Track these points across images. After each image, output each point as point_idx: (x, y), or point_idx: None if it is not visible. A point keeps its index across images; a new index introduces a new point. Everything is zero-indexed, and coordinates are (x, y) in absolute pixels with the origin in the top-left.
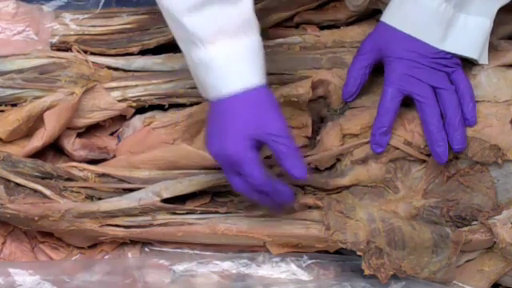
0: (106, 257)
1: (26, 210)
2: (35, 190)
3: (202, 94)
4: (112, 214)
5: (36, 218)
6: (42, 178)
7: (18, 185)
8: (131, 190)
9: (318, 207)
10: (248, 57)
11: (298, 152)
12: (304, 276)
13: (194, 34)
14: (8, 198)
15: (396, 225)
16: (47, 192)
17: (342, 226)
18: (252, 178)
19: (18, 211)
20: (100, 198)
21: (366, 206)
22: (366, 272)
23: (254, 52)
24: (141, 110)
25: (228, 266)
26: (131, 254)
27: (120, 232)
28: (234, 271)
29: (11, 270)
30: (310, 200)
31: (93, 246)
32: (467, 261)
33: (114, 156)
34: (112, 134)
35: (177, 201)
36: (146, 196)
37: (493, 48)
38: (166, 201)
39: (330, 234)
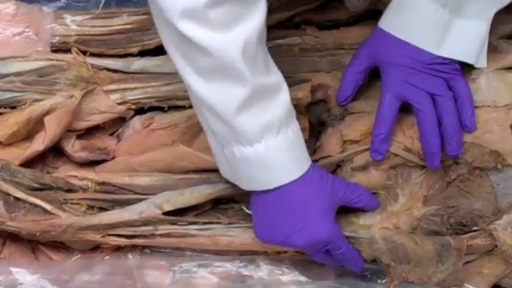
0: (106, 257)
1: (27, 228)
2: (35, 205)
3: (236, 183)
4: (114, 226)
5: (38, 234)
6: (42, 190)
7: (17, 199)
8: (132, 200)
9: None
10: (295, 145)
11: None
12: (303, 277)
13: (241, 133)
14: (9, 216)
15: (398, 242)
16: (47, 206)
17: None
18: (346, 249)
19: (19, 228)
20: (101, 208)
21: (368, 224)
22: None
23: (300, 137)
24: (140, 111)
25: (228, 267)
26: (131, 255)
27: (122, 242)
28: (234, 272)
29: (13, 269)
30: None
31: (93, 248)
32: (467, 262)
33: (114, 157)
34: (112, 135)
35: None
36: (148, 209)
37: (492, 49)
38: (167, 211)
39: None
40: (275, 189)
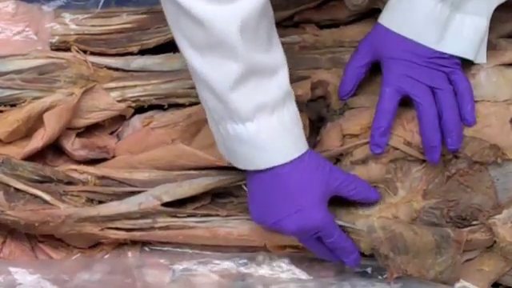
0: (106, 256)
1: (26, 217)
2: (35, 196)
3: (231, 162)
4: (112, 218)
5: (37, 224)
6: (42, 182)
7: (17, 190)
8: (131, 193)
9: None
10: (292, 127)
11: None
12: (304, 275)
13: (233, 111)
14: (8, 205)
15: (397, 231)
16: (47, 197)
17: None
18: (338, 238)
19: (18, 218)
20: (100, 201)
21: (366, 214)
22: None
23: (296, 120)
24: (140, 110)
25: (228, 265)
26: (131, 254)
27: (121, 235)
28: (234, 270)
29: (11, 269)
30: None
31: (93, 246)
32: (467, 260)
33: (114, 156)
34: (112, 133)
35: (177, 201)
36: (147, 200)
37: (492, 47)
38: (166, 203)
39: None
40: (268, 170)
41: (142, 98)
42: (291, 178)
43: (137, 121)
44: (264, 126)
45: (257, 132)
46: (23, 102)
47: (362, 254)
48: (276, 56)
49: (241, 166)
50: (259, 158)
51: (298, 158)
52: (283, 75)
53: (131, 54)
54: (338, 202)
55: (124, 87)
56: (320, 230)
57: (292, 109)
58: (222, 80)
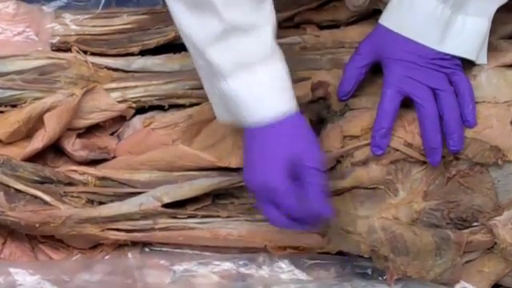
0: (106, 257)
1: (26, 218)
2: (35, 196)
3: (224, 120)
4: (113, 219)
5: (37, 225)
6: (42, 183)
7: (17, 191)
8: (132, 194)
9: None
10: (273, 86)
11: (326, 189)
12: (304, 276)
13: (215, 67)
14: (8, 206)
15: (397, 232)
16: (47, 198)
17: (343, 240)
18: (288, 206)
19: (18, 219)
20: (101, 202)
21: (367, 215)
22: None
23: (278, 80)
24: (141, 110)
25: (228, 266)
26: (131, 254)
27: (121, 236)
28: (234, 271)
29: (12, 270)
30: None
31: (93, 247)
32: (467, 261)
33: (115, 156)
34: (112, 134)
35: (177, 203)
36: (147, 201)
37: (493, 48)
38: (166, 205)
39: (332, 246)
40: (250, 129)
41: (142, 99)
42: (264, 138)
43: (137, 121)
44: (244, 84)
45: (237, 89)
46: (24, 103)
47: (363, 256)
48: (262, 14)
49: (228, 123)
50: (240, 115)
51: (276, 119)
52: (267, 34)
53: (132, 54)
54: (338, 201)
55: (124, 88)
56: (271, 190)
57: (274, 68)
58: (203, 36)
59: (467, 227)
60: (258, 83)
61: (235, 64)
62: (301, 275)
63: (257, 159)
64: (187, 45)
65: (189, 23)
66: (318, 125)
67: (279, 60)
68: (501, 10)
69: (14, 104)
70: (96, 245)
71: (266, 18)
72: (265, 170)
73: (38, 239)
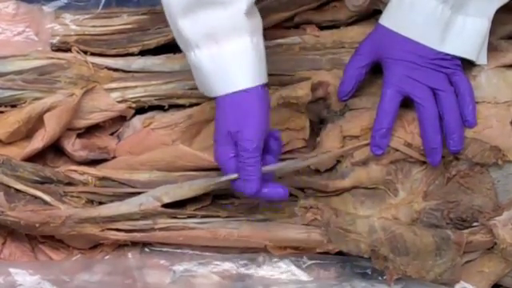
0: (106, 257)
1: (26, 218)
2: (35, 197)
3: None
4: (113, 219)
5: (37, 225)
6: (42, 183)
7: (17, 191)
8: (132, 194)
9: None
10: (235, 61)
11: (256, 166)
12: (304, 277)
13: (185, 37)
14: (8, 206)
15: (397, 232)
16: (47, 198)
17: (343, 240)
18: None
19: (18, 218)
20: (101, 202)
21: (367, 215)
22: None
23: (243, 56)
24: (141, 111)
25: (228, 266)
26: (131, 255)
27: (121, 236)
28: (234, 271)
29: (11, 270)
30: (309, 215)
31: (93, 247)
32: (467, 261)
33: (115, 156)
34: (112, 134)
35: (177, 203)
36: (147, 201)
37: (492, 48)
38: (166, 205)
39: (332, 246)
40: (214, 100)
41: (142, 99)
42: (218, 110)
43: (137, 121)
44: (208, 56)
45: (202, 60)
46: (24, 103)
47: (363, 256)
48: None
49: (202, 92)
50: (206, 86)
51: (235, 93)
52: (238, 7)
53: (132, 54)
54: (338, 201)
55: (124, 88)
56: (222, 168)
57: (244, 41)
58: (175, 5)
59: (467, 227)
60: (220, 56)
61: (202, 35)
62: (300, 275)
63: (214, 134)
64: (167, 17)
65: None
66: (318, 125)
67: (249, 35)
68: (501, 11)
69: (13, 104)
70: (96, 245)
71: None
72: (214, 146)
73: (37, 239)
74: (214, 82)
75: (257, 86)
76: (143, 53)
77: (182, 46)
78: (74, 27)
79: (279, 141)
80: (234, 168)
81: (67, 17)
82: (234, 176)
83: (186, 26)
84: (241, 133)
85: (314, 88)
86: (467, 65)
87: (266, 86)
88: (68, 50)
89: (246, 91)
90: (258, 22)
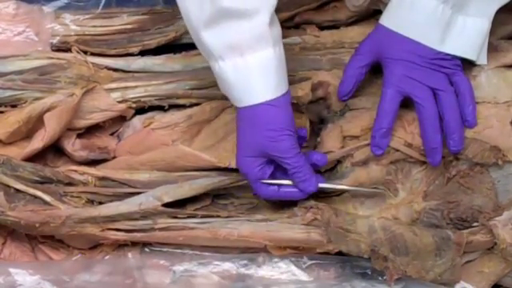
0: (106, 257)
1: (26, 218)
2: (35, 196)
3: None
4: (113, 219)
5: (37, 225)
6: (42, 183)
7: (17, 191)
8: (132, 194)
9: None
10: (259, 73)
11: (306, 165)
12: (304, 277)
13: (208, 49)
14: (8, 206)
15: (397, 232)
16: (47, 198)
17: (343, 240)
18: (261, 192)
19: (18, 218)
20: (101, 202)
21: (367, 215)
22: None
23: (267, 67)
24: (141, 111)
25: (228, 266)
26: (131, 255)
27: (121, 236)
28: (234, 272)
29: (11, 270)
30: (309, 215)
31: (93, 247)
32: (467, 261)
33: (115, 156)
34: (112, 134)
35: (177, 203)
36: (147, 200)
37: (493, 48)
38: (166, 204)
39: (332, 246)
40: (237, 108)
41: (142, 99)
42: (243, 121)
43: (137, 122)
44: (231, 67)
45: (226, 71)
46: (24, 103)
47: (362, 256)
48: (254, 1)
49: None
50: (230, 96)
51: (261, 104)
52: (260, 19)
53: (132, 54)
54: (338, 201)
55: (124, 88)
56: (248, 179)
57: (265, 55)
58: (196, 17)
59: (467, 227)
60: (245, 68)
61: (226, 47)
62: (301, 275)
63: (238, 142)
64: (188, 28)
65: (186, 5)
66: (318, 125)
67: (272, 46)
68: (501, 11)
69: (14, 104)
70: (96, 245)
71: (262, 3)
72: (238, 154)
73: (37, 239)
74: (239, 93)
75: (281, 96)
76: (143, 53)
77: (204, 55)
78: (74, 27)
79: (305, 137)
80: (259, 176)
81: (67, 17)
82: (288, 182)
83: (209, 38)
84: (277, 145)
85: (314, 88)
86: (467, 65)
87: (288, 92)
88: (68, 50)
89: (270, 103)
90: (278, 30)
